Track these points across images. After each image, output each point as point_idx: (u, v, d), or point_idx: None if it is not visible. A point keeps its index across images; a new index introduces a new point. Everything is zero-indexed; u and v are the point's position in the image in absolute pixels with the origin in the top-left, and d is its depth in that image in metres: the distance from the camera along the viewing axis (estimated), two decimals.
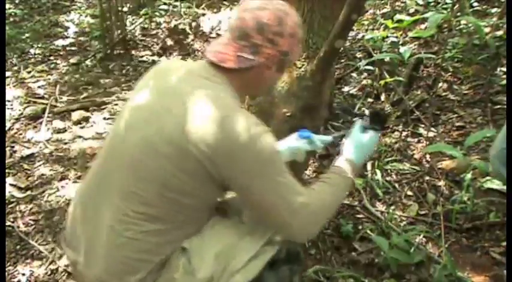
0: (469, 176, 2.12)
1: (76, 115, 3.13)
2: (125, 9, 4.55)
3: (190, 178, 1.11)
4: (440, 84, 3.10)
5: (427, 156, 2.46)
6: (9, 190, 2.42)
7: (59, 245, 2.06)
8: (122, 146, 1.18)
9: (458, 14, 3.32)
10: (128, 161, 1.15)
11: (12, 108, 3.29)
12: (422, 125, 2.73)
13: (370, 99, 3.10)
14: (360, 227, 2.03)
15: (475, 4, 3.86)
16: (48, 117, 3.15)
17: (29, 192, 2.42)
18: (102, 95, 3.49)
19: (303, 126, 1.62)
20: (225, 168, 1.09)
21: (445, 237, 1.93)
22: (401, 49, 2.86)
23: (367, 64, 2.87)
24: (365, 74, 3.40)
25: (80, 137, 2.93)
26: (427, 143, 2.58)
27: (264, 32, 1.15)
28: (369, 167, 2.41)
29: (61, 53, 4.38)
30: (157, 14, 4.92)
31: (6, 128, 3.01)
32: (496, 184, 2.10)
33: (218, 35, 4.50)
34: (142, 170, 1.12)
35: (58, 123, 3.09)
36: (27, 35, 4.72)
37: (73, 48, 4.48)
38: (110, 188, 1.18)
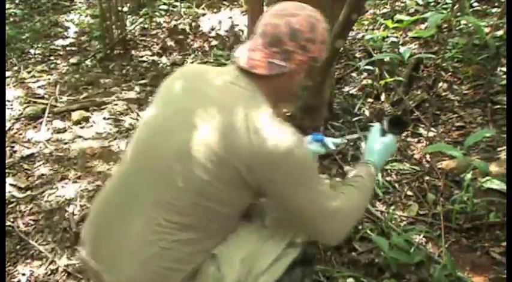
0: (469, 176, 2.12)
1: (76, 115, 3.13)
2: (125, 9, 4.55)
3: (227, 186, 1.10)
4: (440, 84, 3.10)
5: (427, 156, 2.46)
6: (9, 190, 2.42)
7: (59, 245, 2.06)
8: (152, 154, 1.15)
9: (458, 14, 3.32)
10: (161, 169, 1.12)
11: (12, 108, 3.29)
12: (422, 125, 2.73)
13: (370, 99, 3.10)
14: (360, 227, 2.03)
15: (475, 4, 3.87)
16: (48, 117, 3.15)
17: (29, 192, 2.42)
18: (102, 95, 3.49)
19: (315, 127, 1.63)
20: (263, 176, 1.09)
21: (445, 237, 1.93)
22: (401, 49, 2.86)
23: (367, 64, 2.87)
24: (365, 74, 3.40)
25: (80, 137, 2.93)
26: (427, 143, 2.58)
27: (297, 38, 1.14)
28: None
29: (61, 53, 4.38)
30: (157, 14, 4.92)
31: (6, 128, 3.01)
32: (496, 184, 2.10)
33: (218, 35, 4.50)
34: (177, 179, 1.10)
35: (58, 123, 3.09)
36: (27, 35, 4.72)
37: (73, 48, 4.48)
38: (139, 197, 1.15)
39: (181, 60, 4.13)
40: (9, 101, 3.38)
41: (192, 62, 4.05)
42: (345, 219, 1.21)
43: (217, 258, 1.19)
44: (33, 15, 5.31)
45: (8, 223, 2.19)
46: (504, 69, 3.00)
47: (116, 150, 2.78)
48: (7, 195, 2.37)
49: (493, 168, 2.22)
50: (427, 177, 2.31)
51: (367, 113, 2.97)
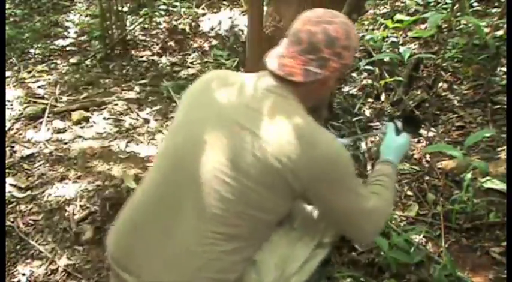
0: (469, 176, 2.12)
1: (76, 115, 3.13)
2: (125, 9, 4.55)
3: (273, 194, 1.11)
4: (440, 84, 3.10)
5: (427, 156, 2.46)
6: (9, 190, 2.42)
7: (59, 245, 2.06)
8: (192, 164, 1.14)
9: (458, 14, 3.32)
10: (204, 180, 1.12)
11: (12, 108, 3.29)
12: (423, 125, 2.73)
13: (370, 99, 3.10)
14: None
15: (475, 4, 3.86)
16: (48, 117, 3.15)
17: (29, 192, 2.42)
18: (102, 95, 3.49)
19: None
20: (310, 182, 1.11)
21: (445, 237, 1.93)
22: (401, 49, 2.86)
23: (367, 64, 2.87)
24: (365, 74, 3.40)
25: (80, 137, 2.93)
26: (427, 143, 2.58)
27: (333, 46, 1.15)
28: (369, 166, 2.41)
29: (61, 53, 4.38)
30: (157, 14, 4.92)
31: (6, 128, 3.01)
32: (496, 184, 2.10)
33: (218, 34, 4.50)
34: (223, 189, 1.10)
35: (58, 123, 3.09)
36: (27, 35, 4.71)
37: (73, 48, 4.48)
38: (180, 209, 1.14)
39: (181, 60, 4.13)
40: (9, 101, 3.38)
41: (192, 62, 4.05)
42: (379, 218, 1.26)
43: (257, 264, 1.21)
44: (33, 15, 5.31)
45: (8, 223, 2.19)
46: (504, 69, 2.99)
47: (115, 150, 2.78)
48: (7, 195, 2.37)
49: (493, 168, 2.22)
50: (427, 177, 2.31)
51: (367, 113, 2.97)
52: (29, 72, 3.92)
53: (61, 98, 3.45)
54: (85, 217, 2.23)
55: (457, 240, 1.95)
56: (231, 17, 4.77)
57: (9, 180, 2.49)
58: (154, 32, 4.67)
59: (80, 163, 2.65)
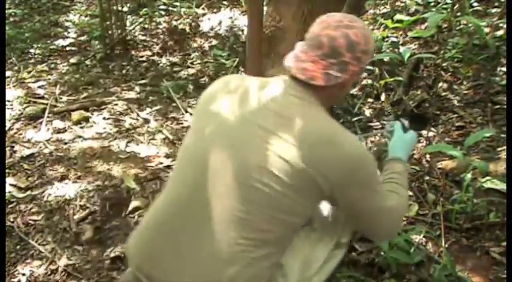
0: (469, 176, 2.12)
1: (76, 115, 3.13)
2: (125, 9, 4.55)
3: (302, 197, 1.12)
4: (440, 84, 3.10)
5: (427, 156, 2.46)
6: (9, 190, 2.42)
7: (59, 245, 2.06)
8: (220, 170, 1.13)
9: (458, 14, 3.32)
10: (233, 186, 1.12)
11: (12, 108, 3.29)
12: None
13: (370, 99, 3.10)
14: None
15: (475, 4, 3.86)
16: (48, 117, 3.15)
17: (29, 192, 2.42)
18: (102, 95, 3.49)
19: None
20: (338, 183, 1.12)
21: (445, 237, 1.93)
22: (401, 49, 2.86)
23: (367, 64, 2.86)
24: (365, 74, 3.40)
25: (80, 137, 2.93)
26: (427, 143, 2.58)
27: (354, 50, 1.17)
28: None
29: (61, 53, 4.38)
30: (157, 14, 4.92)
31: (6, 128, 3.01)
32: (496, 184, 2.10)
33: (218, 34, 4.50)
34: (252, 194, 1.10)
35: (58, 123, 3.09)
36: (27, 35, 4.71)
37: (73, 48, 4.48)
38: (210, 215, 1.13)
39: (181, 60, 4.13)
40: (9, 101, 3.38)
41: (192, 62, 4.05)
42: (399, 215, 1.30)
43: (283, 268, 1.23)
44: (33, 15, 5.31)
45: (8, 223, 2.19)
46: (504, 69, 2.99)
47: (116, 150, 2.78)
48: (7, 195, 2.37)
49: (493, 168, 2.22)
50: (427, 177, 2.31)
51: (367, 113, 2.97)
52: (29, 72, 3.92)
53: (61, 98, 3.45)
54: (85, 217, 2.23)
55: (457, 240, 1.95)
56: (231, 17, 4.78)
57: (9, 180, 2.49)
58: (154, 32, 4.67)
59: (80, 163, 2.65)
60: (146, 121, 3.12)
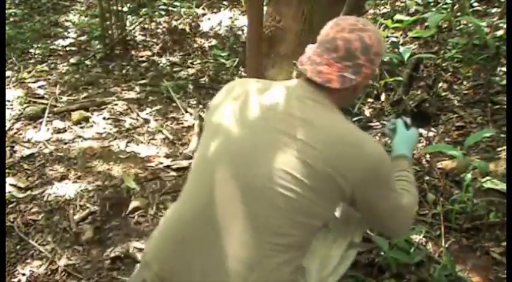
0: (469, 176, 2.12)
1: (76, 115, 3.13)
2: (125, 9, 4.55)
3: (324, 199, 1.13)
4: (440, 84, 3.10)
5: (427, 156, 2.46)
6: (9, 190, 2.42)
7: (59, 245, 2.06)
8: (245, 175, 1.13)
9: (458, 14, 3.32)
10: (255, 191, 1.11)
11: (12, 108, 3.29)
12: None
13: (370, 99, 3.10)
14: None
15: (475, 4, 3.86)
16: (48, 117, 3.15)
17: (29, 192, 2.42)
18: (102, 95, 3.49)
19: None
20: (359, 184, 1.13)
21: (445, 237, 1.93)
22: (401, 49, 2.86)
23: None
24: None
25: (80, 137, 2.93)
26: (427, 143, 2.58)
27: (368, 53, 1.19)
28: None
29: (61, 53, 4.38)
30: (157, 14, 4.92)
31: (6, 128, 3.01)
32: (496, 184, 2.10)
33: (218, 34, 4.50)
34: (276, 199, 1.10)
35: (58, 123, 3.09)
36: (27, 35, 4.71)
37: (73, 48, 4.48)
38: (234, 221, 1.12)
39: (181, 60, 4.13)
40: (9, 101, 3.38)
41: (192, 62, 4.05)
42: (412, 213, 1.33)
43: (304, 270, 1.24)
44: (33, 15, 5.31)
45: (8, 223, 2.19)
46: (504, 69, 3.00)
47: (115, 150, 2.78)
48: (7, 195, 2.37)
49: (493, 168, 2.22)
50: (427, 177, 2.31)
51: (367, 113, 2.97)
52: (29, 72, 3.92)
53: (61, 98, 3.45)
54: (85, 217, 2.23)
55: (457, 240, 1.95)
56: (231, 17, 4.78)
57: (9, 180, 2.49)
58: (154, 32, 4.67)
59: (80, 163, 2.65)
60: (146, 121, 3.12)
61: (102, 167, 2.60)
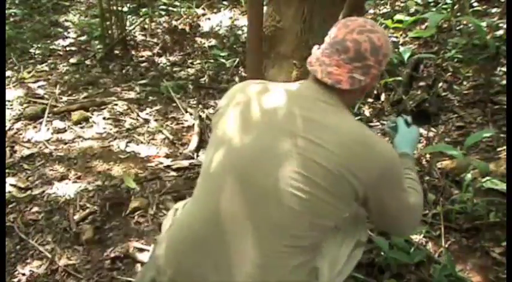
0: (469, 176, 2.12)
1: (76, 115, 3.13)
2: (125, 9, 4.55)
3: (338, 201, 1.13)
4: (440, 84, 3.10)
5: (427, 156, 2.46)
6: (9, 190, 2.42)
7: (59, 245, 2.06)
8: (260, 179, 1.13)
9: (458, 14, 3.32)
10: (270, 194, 1.11)
11: (12, 108, 3.29)
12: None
13: (370, 99, 3.10)
14: None
15: (475, 4, 3.87)
16: (48, 117, 3.15)
17: (29, 192, 2.42)
18: (102, 95, 3.49)
19: None
20: (371, 182, 1.14)
21: (445, 237, 1.93)
22: (401, 49, 2.87)
23: None
24: None
25: (80, 137, 2.93)
26: (427, 143, 2.58)
27: (377, 54, 1.19)
28: None
29: (61, 53, 4.38)
30: (157, 14, 4.92)
31: (6, 128, 3.01)
32: (496, 184, 2.10)
33: (218, 34, 4.50)
34: (292, 201, 1.10)
35: (58, 123, 3.09)
36: (27, 35, 4.71)
37: (73, 48, 4.48)
38: (250, 225, 1.12)
39: (181, 60, 4.13)
40: (9, 101, 3.38)
41: (192, 62, 4.05)
42: (419, 211, 1.34)
43: (318, 271, 1.25)
44: (33, 15, 5.31)
45: (8, 223, 2.19)
46: (504, 69, 3.00)
47: (115, 150, 2.78)
48: (7, 195, 2.37)
49: (493, 168, 2.22)
50: (427, 177, 2.31)
51: (367, 113, 2.97)
52: (29, 72, 3.92)
53: (61, 98, 3.45)
54: (85, 217, 2.23)
55: (457, 240, 1.96)
56: (231, 17, 4.78)
57: (9, 180, 2.49)
58: (154, 32, 4.67)
59: (80, 163, 2.65)
60: (146, 121, 3.12)
61: (102, 167, 2.60)
